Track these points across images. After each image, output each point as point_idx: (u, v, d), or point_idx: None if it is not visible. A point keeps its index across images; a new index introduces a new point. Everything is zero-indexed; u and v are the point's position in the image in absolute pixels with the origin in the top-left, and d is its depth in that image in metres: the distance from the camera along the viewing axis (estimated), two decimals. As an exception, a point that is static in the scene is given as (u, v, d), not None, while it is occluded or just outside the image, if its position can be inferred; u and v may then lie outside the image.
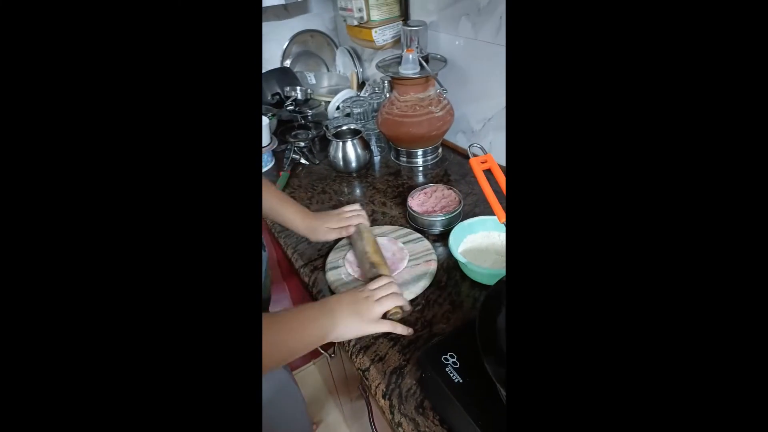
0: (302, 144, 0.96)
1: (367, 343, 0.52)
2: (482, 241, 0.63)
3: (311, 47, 1.29)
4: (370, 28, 0.90)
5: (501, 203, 0.49)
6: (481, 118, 0.86)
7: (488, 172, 0.53)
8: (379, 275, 0.54)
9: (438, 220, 0.67)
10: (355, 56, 1.23)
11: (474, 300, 0.56)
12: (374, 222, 0.74)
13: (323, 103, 1.13)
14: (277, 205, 0.64)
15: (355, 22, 0.91)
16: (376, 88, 1.08)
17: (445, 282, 0.60)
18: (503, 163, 0.58)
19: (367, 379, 0.50)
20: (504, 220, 0.48)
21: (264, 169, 0.94)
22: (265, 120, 0.93)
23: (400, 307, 0.51)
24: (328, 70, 1.32)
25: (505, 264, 0.59)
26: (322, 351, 0.80)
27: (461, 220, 0.64)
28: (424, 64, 0.80)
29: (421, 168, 0.89)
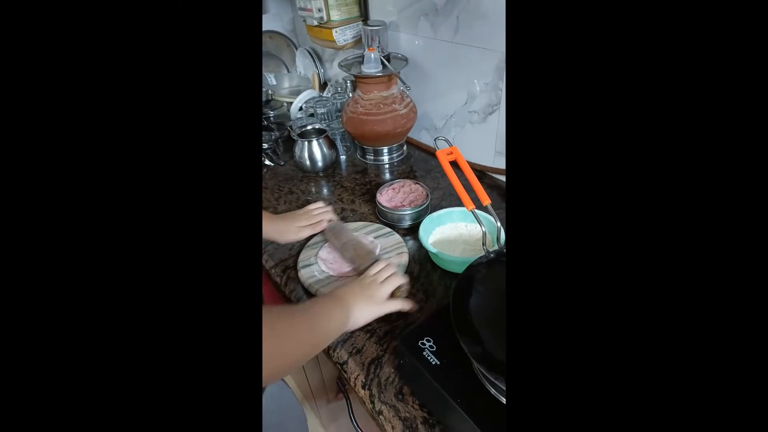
0: (266, 145, 0.95)
1: (343, 337, 0.53)
2: (451, 232, 0.65)
3: (270, 48, 1.27)
4: (331, 28, 0.90)
5: (468, 192, 0.51)
6: (443, 115, 0.89)
7: (454, 164, 0.55)
8: (375, 262, 0.56)
9: (407, 214, 0.69)
10: (316, 57, 1.23)
11: (446, 288, 0.58)
12: (344, 219, 0.74)
13: (285, 104, 1.12)
14: None
15: (315, 23, 0.91)
16: (339, 88, 1.09)
17: (417, 273, 0.61)
18: (467, 156, 0.61)
19: (345, 372, 0.50)
20: (471, 207, 0.50)
21: (227, 172, 0.91)
22: (226, 121, 0.91)
23: (402, 286, 0.53)
24: (289, 71, 1.31)
25: (475, 251, 0.61)
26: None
27: (429, 213, 0.66)
28: (386, 62, 0.81)
29: (387, 165, 0.91)
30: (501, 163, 0.80)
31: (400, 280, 0.54)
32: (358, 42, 0.94)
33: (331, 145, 0.88)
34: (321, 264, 0.62)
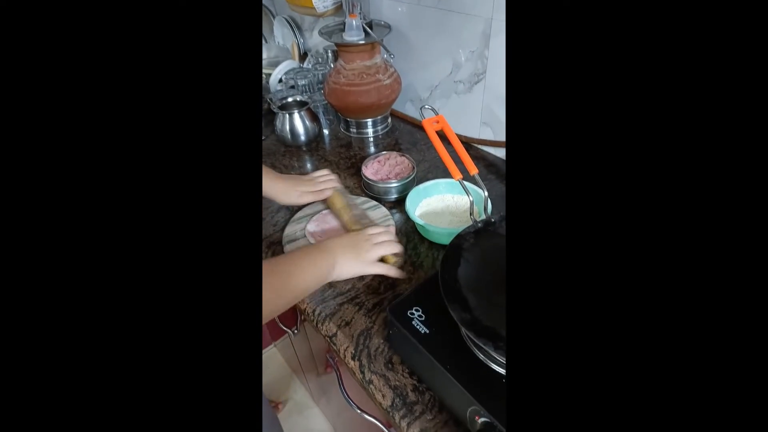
0: (245, 119, 0.91)
1: (332, 311, 0.52)
2: (437, 204, 0.65)
3: (246, 16, 1.20)
4: (310, -7, 0.86)
5: (455, 161, 0.51)
6: (428, 86, 0.87)
7: (440, 135, 0.54)
8: (374, 225, 0.56)
9: (393, 187, 0.68)
10: (295, 26, 1.17)
11: (433, 259, 0.58)
12: (329, 194, 0.73)
13: (263, 76, 1.07)
14: None
15: (293, -13, 0.86)
16: (320, 59, 1.05)
17: (404, 245, 0.61)
18: (453, 128, 0.59)
19: (334, 344, 0.50)
20: (459, 177, 0.50)
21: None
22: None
23: (396, 254, 0.53)
24: (266, 42, 1.25)
25: (462, 222, 0.61)
26: (286, 328, 0.79)
27: (416, 185, 0.65)
28: (369, 30, 0.78)
29: (371, 138, 0.89)
30: (487, 134, 0.80)
31: (396, 248, 0.53)
32: (338, 9, 0.90)
33: (314, 117, 0.85)
34: (310, 238, 0.61)
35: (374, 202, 0.68)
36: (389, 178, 0.69)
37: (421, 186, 0.64)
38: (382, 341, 0.49)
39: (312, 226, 0.63)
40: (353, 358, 0.48)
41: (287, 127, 0.83)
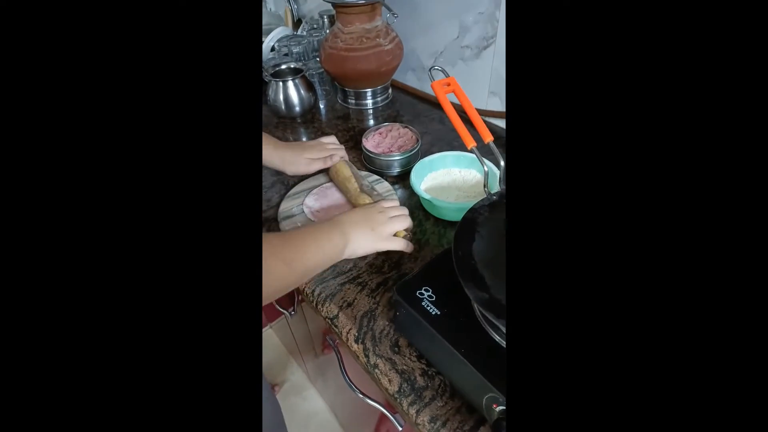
0: (235, 89, 0.85)
1: (333, 291, 0.49)
2: (444, 178, 0.61)
3: (234, -22, 1.12)
4: (304, -52, 0.78)
5: (468, 128, 0.46)
6: (431, 53, 0.81)
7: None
8: (383, 199, 0.53)
9: (396, 160, 0.63)
10: (287, -11, 1.09)
11: (439, 236, 0.55)
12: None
13: (255, 43, 1.00)
14: None
15: (285, -59, 0.79)
16: (315, 25, 0.98)
17: (408, 222, 0.57)
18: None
19: (336, 326, 0.47)
20: (473, 145, 0.45)
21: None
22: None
23: (407, 229, 0.51)
24: (257, 7, 1.17)
25: (469, 198, 0.57)
26: (282, 310, 0.76)
27: (420, 159, 0.61)
28: (369, -11, 0.72)
29: (371, 110, 0.83)
30: (495, 104, 0.75)
31: (408, 222, 0.51)
32: (335, -33, 0.83)
33: (309, 86, 0.80)
34: (308, 213, 0.57)
35: (376, 177, 0.63)
36: (392, 151, 0.65)
37: (427, 159, 0.60)
38: (387, 323, 0.45)
39: (311, 201, 0.59)
40: (356, 341, 0.44)
41: (281, 97, 0.78)
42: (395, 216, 0.49)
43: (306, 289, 0.50)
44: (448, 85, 0.47)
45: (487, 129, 0.46)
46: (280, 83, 0.77)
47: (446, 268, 0.38)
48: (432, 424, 0.37)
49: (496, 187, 0.53)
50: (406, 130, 0.68)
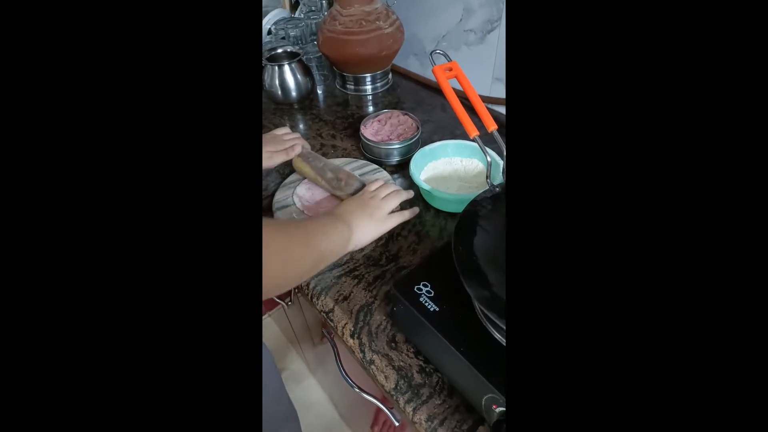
0: (231, 73, 0.82)
1: (328, 284, 0.47)
2: (444, 168, 0.59)
3: (229, -43, 1.08)
4: (301, -76, 0.75)
5: (471, 116, 0.44)
6: (433, 37, 0.78)
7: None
8: (372, 182, 0.52)
9: (395, 149, 0.61)
10: (285, -31, 1.05)
11: (440, 229, 0.53)
12: (325, 156, 0.66)
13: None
14: None
15: None
16: (313, 7, 0.94)
17: (407, 213, 0.55)
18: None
19: (332, 320, 0.45)
20: (475, 134, 0.43)
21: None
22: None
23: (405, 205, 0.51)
24: (254, -12, 1.13)
25: (472, 188, 0.55)
26: (279, 300, 0.74)
27: (421, 147, 0.59)
28: (369, -32, 0.69)
29: (370, 96, 0.81)
30: (499, 91, 0.72)
31: (403, 196, 0.50)
32: (333, -56, 0.79)
33: (306, 71, 0.77)
34: (299, 203, 0.55)
35: (374, 166, 0.61)
36: (391, 139, 0.63)
37: (427, 148, 0.58)
38: (384, 318, 0.44)
39: (302, 190, 0.57)
40: (352, 336, 0.43)
41: (276, 82, 0.75)
42: (386, 195, 0.49)
43: (301, 282, 0.48)
44: (450, 69, 0.45)
45: (490, 117, 0.44)
46: (276, 68, 0.74)
47: (446, 262, 0.36)
48: (429, 423, 0.36)
49: (499, 178, 0.51)
50: (407, 117, 0.66)
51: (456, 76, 0.45)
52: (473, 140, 0.44)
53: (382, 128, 0.65)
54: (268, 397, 0.64)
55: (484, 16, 0.67)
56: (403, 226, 0.53)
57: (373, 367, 0.41)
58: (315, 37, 0.87)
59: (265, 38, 0.91)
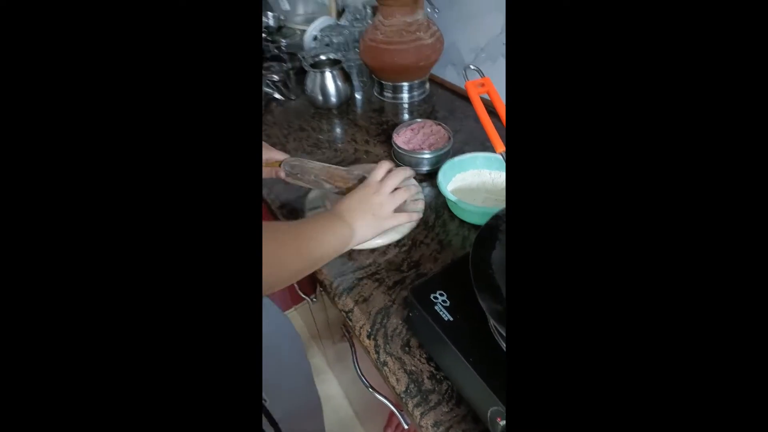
0: (276, 77, 0.87)
1: (350, 285, 0.49)
2: (473, 180, 0.59)
3: (283, -34, 1.13)
4: (351, -62, 0.78)
5: (499, 133, 0.45)
6: (472, 48, 0.79)
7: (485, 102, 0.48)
8: (379, 170, 0.48)
9: (426, 158, 0.62)
10: (334, -22, 1.09)
11: (463, 239, 0.54)
12: (356, 161, 0.68)
13: (298, 32, 1.01)
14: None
15: (333, -70, 0.79)
16: (358, 15, 0.97)
17: (432, 222, 0.56)
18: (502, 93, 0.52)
19: (350, 320, 0.47)
20: (502, 149, 0.44)
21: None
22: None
23: (417, 203, 0.49)
24: (304, -5, 1.18)
25: (498, 202, 0.55)
26: (304, 296, 0.78)
27: (451, 158, 0.60)
28: (412, -20, 0.70)
29: (406, 105, 0.83)
30: (535, 105, 0.71)
31: (411, 190, 0.49)
32: (381, -43, 0.82)
33: (346, 78, 0.80)
34: (328, 204, 0.58)
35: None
36: (422, 149, 0.64)
37: (456, 159, 0.59)
38: (400, 322, 0.45)
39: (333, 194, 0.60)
40: (368, 337, 0.45)
41: (318, 87, 0.78)
42: (393, 191, 0.47)
43: (325, 280, 0.51)
44: (482, 85, 0.45)
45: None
46: (318, 74, 0.77)
47: (464, 273, 0.37)
48: (435, 429, 0.37)
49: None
50: (439, 127, 0.67)
51: (488, 92, 0.46)
52: (500, 155, 0.44)
53: (414, 137, 0.67)
54: (300, 383, 0.67)
55: (525, 30, 0.67)
56: (426, 233, 0.55)
57: (386, 368, 0.43)
58: (357, 45, 0.90)
59: (311, 44, 0.95)
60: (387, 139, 0.72)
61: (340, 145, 0.73)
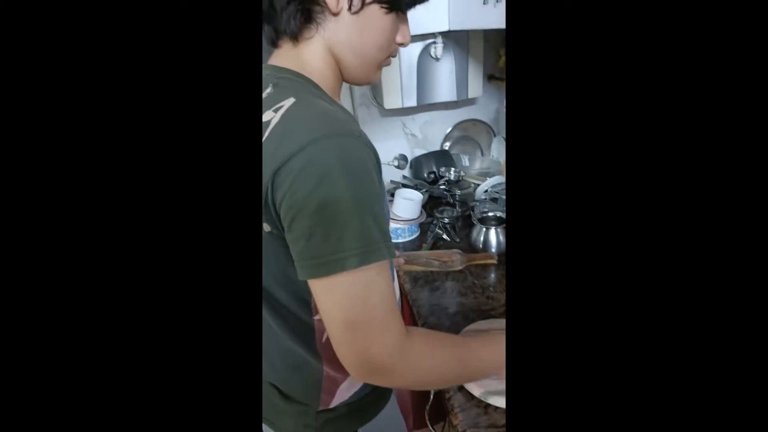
0: (446, 220, 1.05)
1: (471, 422, 0.53)
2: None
3: (471, 133, 1.42)
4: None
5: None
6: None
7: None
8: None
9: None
10: (511, 145, 1.30)
11: None
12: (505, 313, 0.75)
13: (473, 185, 1.22)
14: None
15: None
16: (527, 179, 1.12)
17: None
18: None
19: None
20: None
21: (408, 239, 1.06)
22: (418, 195, 1.06)
23: None
24: (482, 155, 1.42)
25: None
26: (429, 423, 0.81)
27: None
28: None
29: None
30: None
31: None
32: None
33: (508, 235, 0.91)
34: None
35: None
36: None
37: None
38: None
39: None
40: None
41: (481, 238, 0.92)
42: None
43: (459, 425, 0.56)
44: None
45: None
46: (484, 228, 0.92)
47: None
48: None
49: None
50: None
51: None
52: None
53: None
54: None
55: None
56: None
57: None
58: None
59: (482, 196, 1.13)
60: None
61: (492, 293, 0.81)
